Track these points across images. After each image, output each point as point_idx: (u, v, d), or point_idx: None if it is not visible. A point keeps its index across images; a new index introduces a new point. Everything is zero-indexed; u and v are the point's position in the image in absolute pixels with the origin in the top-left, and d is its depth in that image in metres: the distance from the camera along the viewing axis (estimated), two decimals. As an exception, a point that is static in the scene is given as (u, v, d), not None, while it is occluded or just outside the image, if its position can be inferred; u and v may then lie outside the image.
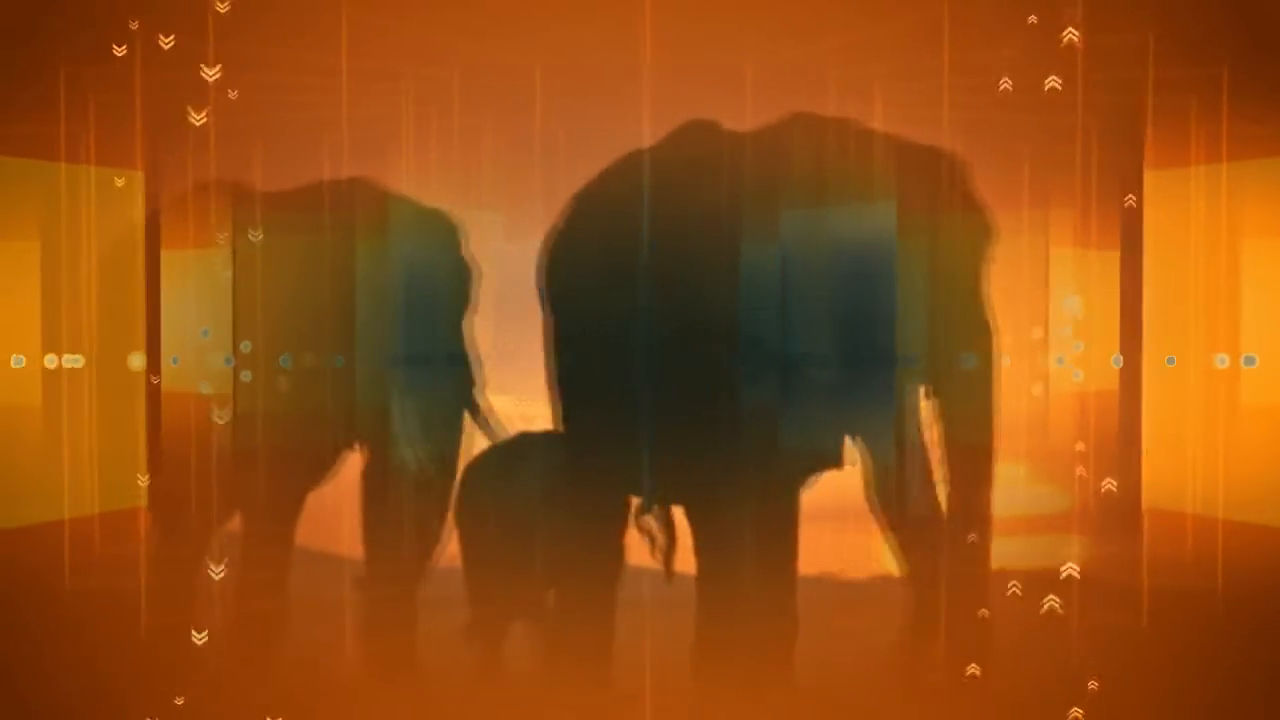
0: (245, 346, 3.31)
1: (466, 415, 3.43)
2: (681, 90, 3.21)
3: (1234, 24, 3.13)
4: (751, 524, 3.16)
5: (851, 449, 3.16)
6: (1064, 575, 3.27)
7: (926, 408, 3.15)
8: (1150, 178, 3.30)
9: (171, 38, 3.17)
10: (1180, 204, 3.34)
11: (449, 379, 3.40)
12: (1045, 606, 3.27)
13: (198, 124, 3.19)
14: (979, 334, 3.14)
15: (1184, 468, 3.37)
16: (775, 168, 3.14)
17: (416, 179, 3.38)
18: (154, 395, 3.35)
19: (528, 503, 3.25)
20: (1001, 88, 3.19)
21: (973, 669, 3.16)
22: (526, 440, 3.38)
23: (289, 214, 3.33)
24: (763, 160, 3.14)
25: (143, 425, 3.35)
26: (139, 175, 3.34)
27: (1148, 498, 3.38)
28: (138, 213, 3.36)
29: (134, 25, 3.13)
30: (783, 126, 3.15)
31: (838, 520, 3.30)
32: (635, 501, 3.24)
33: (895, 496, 3.16)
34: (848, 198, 3.12)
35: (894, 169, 3.11)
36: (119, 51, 3.15)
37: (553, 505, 3.24)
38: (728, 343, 3.13)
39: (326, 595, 3.35)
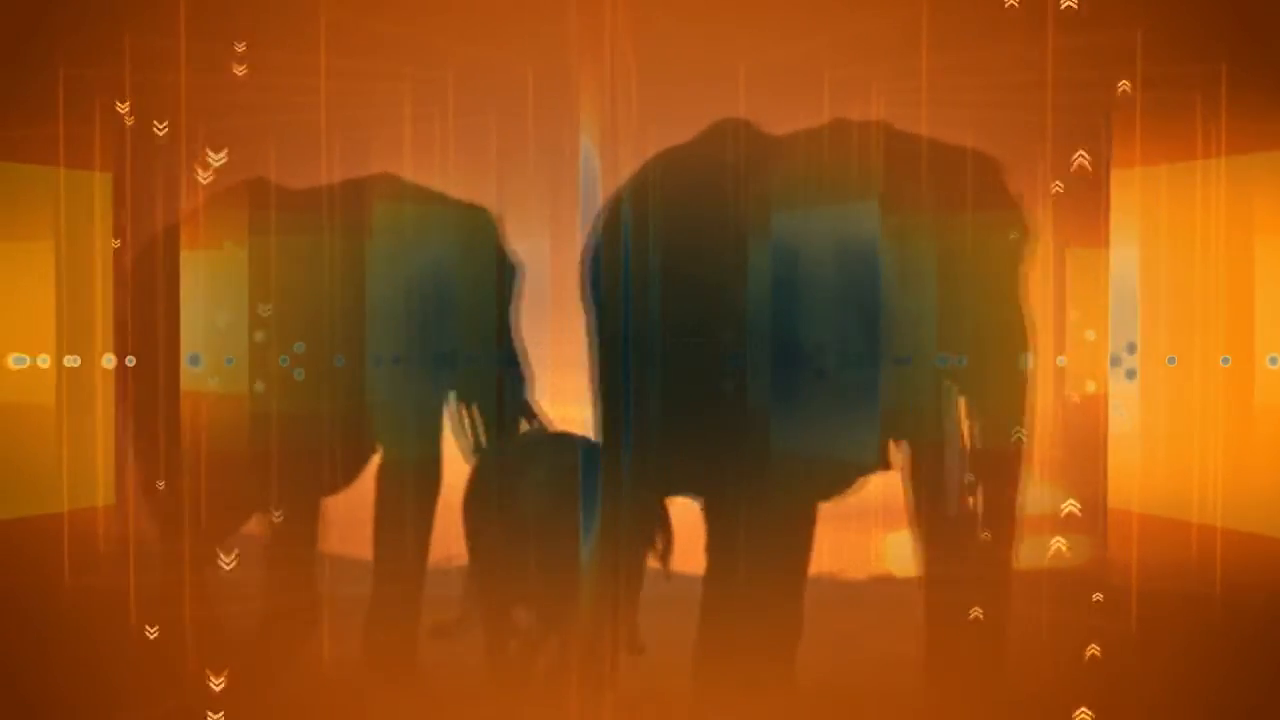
0: (300, 348, 3.31)
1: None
2: (676, 90, 3.22)
3: (1230, 18, 3.11)
4: (771, 526, 3.16)
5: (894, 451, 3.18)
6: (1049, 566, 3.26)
7: (961, 408, 3.15)
8: (1145, 174, 3.28)
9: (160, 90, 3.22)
10: (1182, 201, 3.32)
11: (504, 379, 3.39)
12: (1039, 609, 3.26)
13: (205, 179, 3.24)
14: (1016, 334, 3.14)
15: (1179, 471, 3.34)
16: (810, 169, 3.14)
17: (414, 178, 3.39)
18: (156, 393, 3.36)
19: (535, 502, 3.26)
20: (998, 85, 3.17)
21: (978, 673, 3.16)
22: (534, 440, 3.39)
23: (312, 214, 3.31)
24: (798, 162, 3.14)
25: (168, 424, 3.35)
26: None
27: (1143, 503, 3.35)
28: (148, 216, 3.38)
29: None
30: (818, 129, 3.15)
31: (838, 520, 3.28)
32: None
33: (927, 497, 3.16)
34: (883, 200, 3.12)
35: (930, 170, 3.11)
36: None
37: (568, 505, 3.25)
38: (760, 343, 3.13)
39: (339, 595, 3.37)
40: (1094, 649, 3.20)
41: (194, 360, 3.30)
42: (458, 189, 3.36)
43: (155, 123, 3.23)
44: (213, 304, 3.30)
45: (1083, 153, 3.20)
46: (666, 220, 3.17)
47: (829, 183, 3.14)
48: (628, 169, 3.24)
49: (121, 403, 3.36)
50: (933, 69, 3.13)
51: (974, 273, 3.13)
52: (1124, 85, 3.13)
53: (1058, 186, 3.22)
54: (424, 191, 3.35)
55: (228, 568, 3.29)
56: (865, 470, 3.19)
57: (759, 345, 3.15)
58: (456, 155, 3.34)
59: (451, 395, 3.38)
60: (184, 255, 3.30)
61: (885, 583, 3.38)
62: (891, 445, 3.18)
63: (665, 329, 3.16)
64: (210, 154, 3.24)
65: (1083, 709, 3.14)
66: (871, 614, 3.35)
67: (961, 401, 3.15)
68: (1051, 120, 3.16)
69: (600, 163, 3.23)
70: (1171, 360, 3.31)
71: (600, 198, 3.24)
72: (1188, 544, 3.31)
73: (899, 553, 3.38)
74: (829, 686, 3.24)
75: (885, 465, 3.19)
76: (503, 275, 3.37)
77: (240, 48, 3.19)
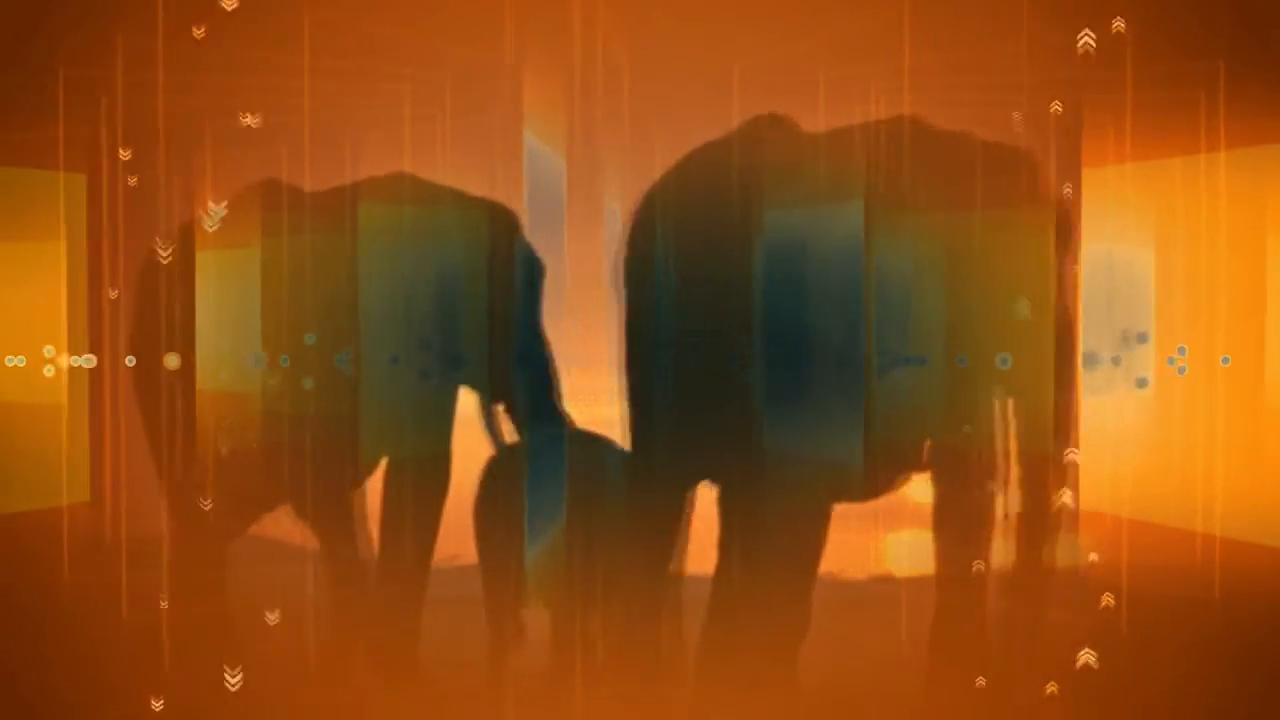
0: (310, 339, 3.29)
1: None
2: (670, 90, 3.22)
3: (1227, 15, 3.11)
4: (787, 526, 3.16)
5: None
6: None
7: (1002, 408, 3.15)
8: (1137, 169, 3.27)
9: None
10: (1188, 198, 3.31)
11: (530, 381, 3.39)
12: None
13: (211, 226, 3.25)
14: (1059, 334, 3.13)
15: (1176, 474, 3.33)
16: (848, 167, 3.12)
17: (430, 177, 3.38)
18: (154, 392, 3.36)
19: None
20: (1000, 84, 3.17)
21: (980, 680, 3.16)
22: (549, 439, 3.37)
23: (327, 215, 3.30)
24: (836, 159, 3.12)
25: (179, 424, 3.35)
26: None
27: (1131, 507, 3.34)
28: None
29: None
30: (853, 127, 3.14)
31: (839, 520, 3.27)
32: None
33: (956, 498, 3.17)
34: (923, 198, 3.11)
35: (969, 168, 3.10)
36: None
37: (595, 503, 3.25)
38: (796, 340, 3.13)
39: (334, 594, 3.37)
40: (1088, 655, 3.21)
41: (202, 360, 3.31)
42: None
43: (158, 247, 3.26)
44: (225, 304, 3.30)
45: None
46: (696, 218, 3.16)
47: (863, 181, 3.12)
48: (611, 169, 3.24)
49: (104, 402, 3.37)
50: (931, 68, 3.13)
51: (1009, 271, 3.12)
52: (1109, 31, 3.10)
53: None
54: (443, 190, 3.34)
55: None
56: (910, 469, 3.20)
57: (796, 345, 3.14)
58: (451, 155, 3.34)
59: (476, 394, 3.38)
60: (197, 256, 3.31)
61: (885, 583, 3.38)
62: (925, 445, 3.19)
63: (692, 327, 3.16)
64: (211, 205, 3.25)
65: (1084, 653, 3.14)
66: (870, 614, 3.35)
67: (1001, 402, 3.16)
68: (1049, 118, 3.17)
69: (566, 163, 3.24)
70: (1171, 361, 3.30)
71: (565, 197, 3.25)
72: (1187, 549, 3.31)
73: (899, 553, 3.38)
74: (827, 686, 3.25)
75: (925, 466, 3.20)
76: (526, 273, 3.36)
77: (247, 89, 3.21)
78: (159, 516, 3.30)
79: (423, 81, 3.29)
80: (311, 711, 3.23)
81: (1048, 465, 3.16)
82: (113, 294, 3.30)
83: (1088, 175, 3.26)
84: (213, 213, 3.25)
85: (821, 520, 3.20)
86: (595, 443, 3.31)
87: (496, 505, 3.30)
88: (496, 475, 3.34)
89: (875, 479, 3.20)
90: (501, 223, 3.34)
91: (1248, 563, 3.30)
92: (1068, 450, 3.21)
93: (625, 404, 3.27)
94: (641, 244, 3.22)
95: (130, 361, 3.31)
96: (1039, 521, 3.20)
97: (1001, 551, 3.20)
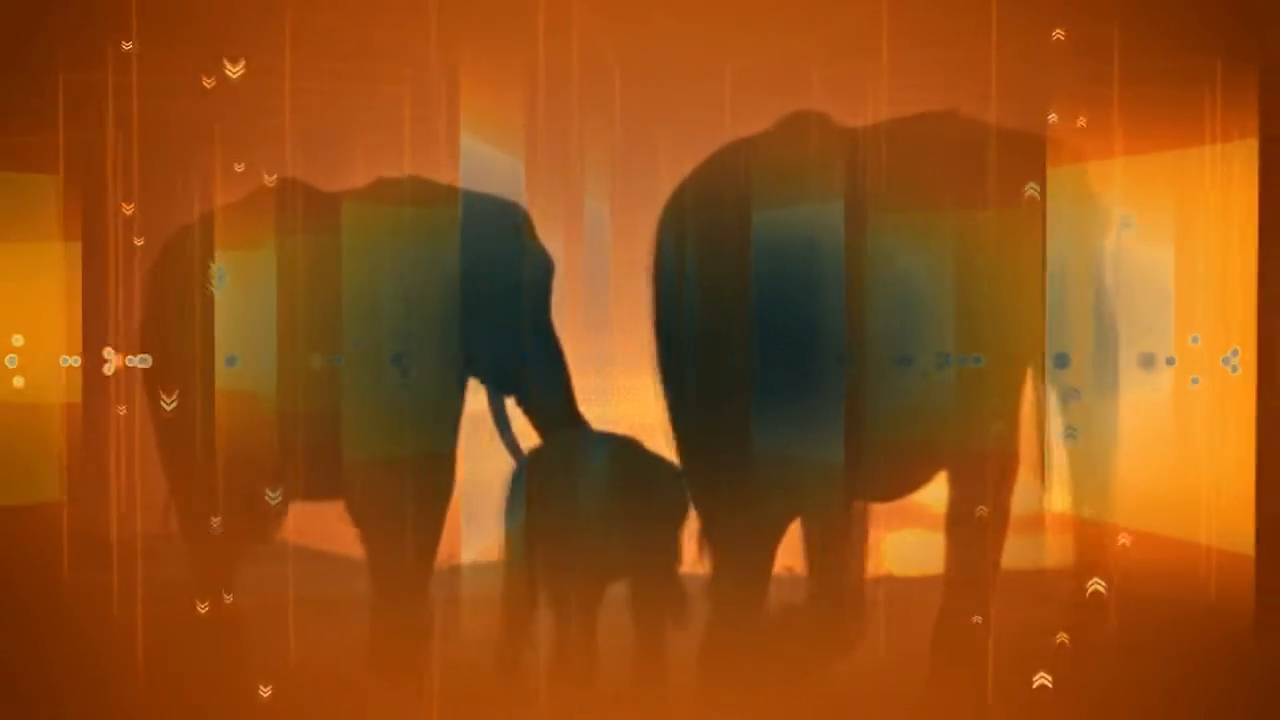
0: (320, 333, 3.31)
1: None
2: (665, 90, 3.23)
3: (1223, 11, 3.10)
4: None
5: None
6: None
7: (1050, 408, 3.14)
8: (1132, 165, 3.25)
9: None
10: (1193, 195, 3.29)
11: (545, 381, 3.39)
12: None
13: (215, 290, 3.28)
14: (1101, 329, 3.12)
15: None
16: (883, 163, 3.12)
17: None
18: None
19: (578, 501, 3.26)
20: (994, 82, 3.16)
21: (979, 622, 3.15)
22: (575, 440, 3.37)
23: (338, 217, 3.30)
24: (871, 156, 3.12)
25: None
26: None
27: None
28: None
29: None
30: (901, 120, 3.13)
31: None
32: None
33: (969, 497, 3.16)
34: (956, 194, 3.11)
35: (1006, 160, 3.08)
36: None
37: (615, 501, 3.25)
38: (823, 340, 3.12)
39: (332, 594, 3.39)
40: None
41: (224, 360, 3.32)
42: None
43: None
44: (237, 304, 3.32)
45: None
46: (731, 216, 3.14)
47: (906, 177, 3.11)
48: (596, 168, 3.25)
49: (94, 401, 3.40)
50: (927, 66, 3.13)
51: (1059, 268, 3.10)
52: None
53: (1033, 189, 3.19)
54: (452, 191, 3.32)
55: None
56: (939, 468, 3.19)
57: (826, 340, 3.13)
58: (447, 155, 3.34)
59: (486, 396, 3.37)
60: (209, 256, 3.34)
61: (885, 583, 3.37)
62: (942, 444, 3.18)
63: (718, 327, 3.16)
64: (212, 265, 3.28)
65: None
66: (871, 614, 3.34)
67: (1050, 401, 3.15)
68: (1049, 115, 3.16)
69: (597, 161, 3.25)
70: (1171, 361, 3.27)
71: (526, 200, 3.26)
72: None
73: (899, 553, 3.37)
74: (830, 686, 3.24)
75: (947, 465, 3.19)
76: (534, 271, 3.35)
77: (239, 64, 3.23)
78: (138, 516, 3.33)
79: (421, 83, 3.30)
80: (312, 711, 3.25)
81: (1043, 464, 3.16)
82: (112, 295, 3.34)
83: (1090, 170, 3.25)
84: (214, 272, 3.27)
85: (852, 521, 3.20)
86: (612, 442, 3.31)
87: (525, 507, 3.31)
88: (521, 478, 3.35)
89: (899, 479, 3.20)
90: (510, 220, 3.34)
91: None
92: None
93: (665, 408, 3.26)
94: (672, 243, 3.21)
95: (121, 362, 3.34)
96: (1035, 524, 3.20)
97: (1005, 552, 3.20)
